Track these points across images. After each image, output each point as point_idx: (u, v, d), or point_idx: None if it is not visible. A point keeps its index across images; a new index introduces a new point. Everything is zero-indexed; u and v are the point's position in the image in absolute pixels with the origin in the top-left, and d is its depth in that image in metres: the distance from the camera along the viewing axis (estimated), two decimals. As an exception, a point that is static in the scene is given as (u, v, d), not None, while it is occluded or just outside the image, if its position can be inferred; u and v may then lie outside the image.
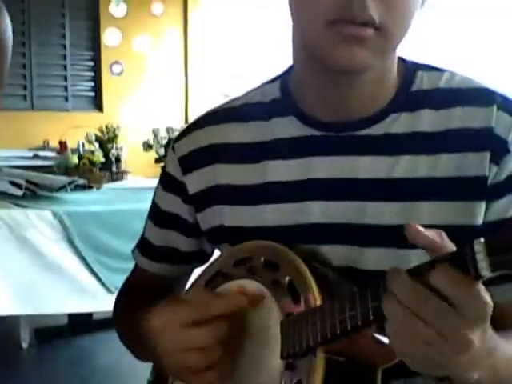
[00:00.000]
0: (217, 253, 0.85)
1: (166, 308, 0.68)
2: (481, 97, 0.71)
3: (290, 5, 0.69)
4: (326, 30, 0.64)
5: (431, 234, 0.54)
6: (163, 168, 0.87)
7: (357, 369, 0.59)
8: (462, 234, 0.68)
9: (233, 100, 0.84)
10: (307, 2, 0.65)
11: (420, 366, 0.53)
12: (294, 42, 0.74)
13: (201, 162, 0.80)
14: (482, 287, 0.50)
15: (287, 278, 0.65)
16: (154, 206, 0.87)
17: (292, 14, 0.69)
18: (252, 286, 0.68)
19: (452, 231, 0.69)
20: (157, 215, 0.87)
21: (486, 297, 0.50)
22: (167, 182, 0.85)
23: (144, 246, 0.89)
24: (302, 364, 0.59)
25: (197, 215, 0.82)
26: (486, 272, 0.47)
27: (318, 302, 0.60)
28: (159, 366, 0.71)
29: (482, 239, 0.48)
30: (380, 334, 0.56)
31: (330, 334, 0.56)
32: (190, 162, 0.81)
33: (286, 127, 0.76)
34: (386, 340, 0.56)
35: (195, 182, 0.81)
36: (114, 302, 0.92)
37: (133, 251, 0.92)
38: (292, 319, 0.62)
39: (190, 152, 0.81)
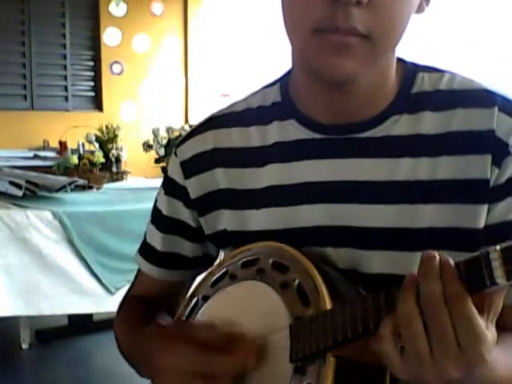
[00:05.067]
0: (221, 255, 0.85)
1: (172, 347, 0.64)
2: (482, 98, 0.71)
3: (283, 15, 0.69)
4: (313, 39, 0.64)
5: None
6: (165, 172, 0.86)
7: (366, 373, 0.58)
8: (463, 237, 0.68)
9: (234, 104, 0.83)
10: (294, 12, 0.65)
11: (399, 369, 0.53)
12: (291, 49, 0.74)
13: (203, 166, 0.80)
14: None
15: (296, 281, 0.64)
16: (157, 211, 0.87)
17: (284, 25, 0.69)
18: (259, 288, 0.68)
19: (453, 234, 0.68)
20: (160, 220, 0.86)
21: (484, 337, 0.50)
22: (169, 186, 0.84)
23: (148, 252, 0.88)
24: (311, 367, 0.59)
25: (200, 219, 0.82)
26: (501, 280, 0.47)
27: (328, 306, 0.59)
28: None
29: (498, 247, 0.47)
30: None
31: (341, 338, 0.56)
32: (192, 167, 0.81)
33: (287, 131, 0.76)
34: None
35: (197, 186, 0.80)
36: (117, 312, 0.90)
37: (135, 256, 0.91)
38: (302, 322, 0.61)
39: (193, 156, 0.81)
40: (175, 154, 0.83)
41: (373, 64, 0.67)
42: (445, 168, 0.69)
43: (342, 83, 0.67)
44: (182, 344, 0.64)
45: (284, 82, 0.79)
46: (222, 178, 0.78)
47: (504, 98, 0.71)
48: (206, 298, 0.75)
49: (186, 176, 0.81)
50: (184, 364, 0.63)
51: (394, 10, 0.63)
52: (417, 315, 0.51)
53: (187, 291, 0.91)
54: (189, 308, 0.77)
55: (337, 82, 0.67)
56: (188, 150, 0.82)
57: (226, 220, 0.78)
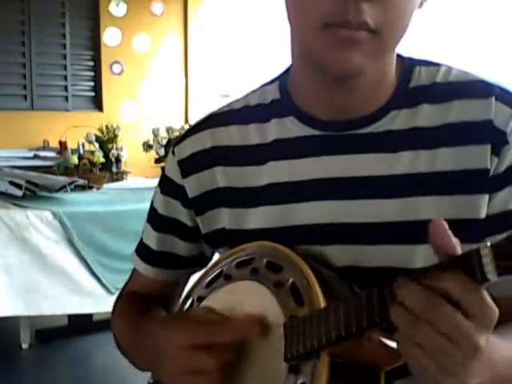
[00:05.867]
0: (216, 256, 0.85)
1: (173, 327, 0.67)
2: (479, 89, 0.71)
3: (287, 9, 0.69)
4: (321, 33, 0.64)
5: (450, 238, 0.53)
6: (163, 172, 0.86)
7: (360, 371, 0.58)
8: (465, 228, 0.68)
9: (233, 102, 0.83)
10: (302, 6, 0.65)
11: (430, 374, 0.52)
12: (292, 44, 0.74)
13: (201, 165, 0.80)
14: (487, 295, 0.50)
15: (290, 280, 0.65)
16: (153, 211, 0.87)
17: (289, 18, 0.69)
18: (254, 288, 0.68)
19: (455, 225, 0.68)
20: (156, 219, 0.86)
21: (493, 303, 0.50)
22: (166, 185, 0.84)
23: (143, 251, 0.89)
24: (305, 366, 0.59)
25: (197, 219, 0.82)
26: (492, 276, 0.47)
27: (322, 305, 0.60)
28: (159, 380, 0.70)
29: (489, 243, 0.48)
30: (384, 336, 0.56)
31: (335, 337, 0.56)
32: (190, 165, 0.81)
33: (286, 128, 0.76)
34: (390, 343, 0.56)
35: (195, 185, 0.80)
36: (113, 307, 0.91)
37: (132, 255, 0.91)
38: (296, 321, 0.61)
39: (191, 155, 0.81)
40: (173, 152, 0.83)
41: (379, 58, 0.67)
42: (444, 160, 0.69)
43: (349, 77, 0.67)
44: (181, 322, 0.66)
45: (283, 79, 0.79)
46: (221, 176, 0.78)
47: (501, 88, 0.71)
48: (201, 299, 0.75)
49: (184, 175, 0.81)
50: (180, 339, 0.65)
51: (401, 4, 0.64)
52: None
53: (182, 291, 0.92)
54: (184, 309, 0.77)
55: (343, 76, 0.67)
56: (186, 149, 0.81)
57: (224, 218, 0.78)
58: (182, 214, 0.82)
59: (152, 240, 0.87)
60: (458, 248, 0.52)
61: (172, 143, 3.43)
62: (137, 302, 0.87)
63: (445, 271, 0.50)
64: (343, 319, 0.56)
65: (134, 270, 0.91)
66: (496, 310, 0.50)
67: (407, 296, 0.51)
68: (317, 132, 0.74)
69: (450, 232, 0.53)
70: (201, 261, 0.87)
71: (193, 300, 0.77)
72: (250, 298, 0.68)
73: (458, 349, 0.50)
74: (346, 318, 0.55)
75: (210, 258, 0.88)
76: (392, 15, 0.63)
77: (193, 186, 0.80)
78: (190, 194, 0.81)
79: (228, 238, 0.78)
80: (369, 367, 0.58)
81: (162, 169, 0.87)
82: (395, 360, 0.57)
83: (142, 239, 0.90)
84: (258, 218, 0.75)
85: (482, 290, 0.49)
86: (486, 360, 0.53)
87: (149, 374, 0.82)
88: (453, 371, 0.51)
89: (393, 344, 0.55)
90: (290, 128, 0.76)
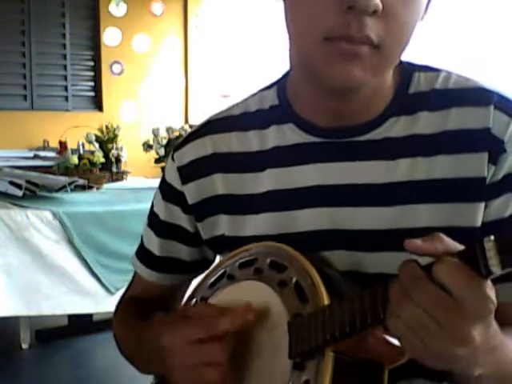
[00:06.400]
0: (218, 258, 0.85)
1: (176, 325, 0.68)
2: (478, 97, 0.71)
3: (287, 20, 0.68)
4: (322, 46, 0.63)
5: (430, 242, 0.53)
6: (163, 177, 0.86)
7: (364, 369, 0.59)
8: (462, 235, 0.68)
9: (231, 107, 0.83)
10: (304, 18, 0.64)
11: (421, 355, 0.52)
12: (290, 53, 0.74)
13: (200, 171, 0.80)
14: (488, 284, 0.50)
15: (294, 279, 0.65)
16: (154, 216, 0.86)
17: (288, 29, 0.68)
18: (257, 287, 0.68)
19: (452, 233, 0.69)
20: (157, 225, 0.86)
21: (490, 293, 0.50)
22: (167, 191, 0.84)
23: (145, 256, 0.89)
24: (310, 363, 0.59)
25: (197, 225, 0.82)
26: (496, 269, 0.47)
27: (326, 302, 0.60)
28: (169, 380, 0.70)
29: (493, 237, 0.48)
30: (388, 333, 0.56)
31: (339, 333, 0.56)
32: (190, 172, 0.80)
33: (286, 135, 0.76)
34: (394, 341, 0.56)
35: (194, 191, 0.80)
36: (114, 311, 0.91)
37: (133, 259, 0.91)
38: (300, 319, 0.61)
39: (190, 162, 0.81)
40: (172, 158, 0.83)
41: (380, 74, 0.67)
42: (441, 167, 0.69)
43: (349, 91, 0.67)
44: (182, 320, 0.67)
45: (281, 84, 0.79)
46: (221, 183, 0.78)
47: (500, 96, 0.71)
48: (204, 299, 0.75)
49: (184, 181, 0.81)
50: (187, 334, 0.66)
51: (404, 19, 0.63)
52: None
53: (184, 294, 0.92)
54: None
55: (343, 90, 0.67)
56: (186, 155, 0.81)
57: (224, 225, 0.79)
58: (183, 220, 0.83)
59: (154, 245, 0.87)
60: (443, 242, 0.53)
61: (172, 143, 3.44)
62: (137, 308, 0.87)
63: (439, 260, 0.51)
64: (347, 315, 0.56)
65: (136, 274, 0.91)
66: (491, 299, 0.50)
67: (402, 270, 0.52)
68: (316, 139, 0.74)
69: (423, 242, 0.53)
70: (204, 264, 0.88)
71: (196, 301, 0.77)
72: (253, 298, 0.68)
73: (444, 333, 0.50)
74: (350, 314, 0.56)
75: (213, 261, 0.88)
76: (395, 29, 0.63)
77: (192, 192, 0.80)
78: (190, 201, 0.81)
79: (228, 245, 0.79)
80: (373, 364, 0.58)
81: (163, 170, 0.87)
82: (399, 357, 0.57)
83: (143, 244, 0.90)
84: (258, 224, 0.76)
85: (474, 278, 0.49)
86: (487, 353, 0.53)
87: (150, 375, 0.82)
88: (441, 355, 0.51)
89: (397, 342, 0.56)
90: (289, 135, 0.76)
